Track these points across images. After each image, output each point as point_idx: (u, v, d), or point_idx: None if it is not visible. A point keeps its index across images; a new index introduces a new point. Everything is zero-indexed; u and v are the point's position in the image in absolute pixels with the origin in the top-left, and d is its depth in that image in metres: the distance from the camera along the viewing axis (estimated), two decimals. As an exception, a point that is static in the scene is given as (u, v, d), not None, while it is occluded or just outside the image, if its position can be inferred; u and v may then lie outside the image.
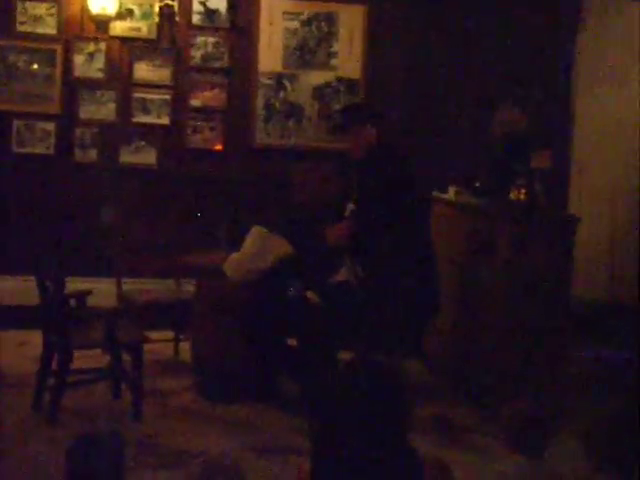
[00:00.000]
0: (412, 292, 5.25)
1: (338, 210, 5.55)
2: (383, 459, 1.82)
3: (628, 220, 7.12)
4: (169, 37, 7.15)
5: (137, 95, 7.11)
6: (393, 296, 5.31)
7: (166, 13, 7.09)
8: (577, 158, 7.54)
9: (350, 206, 5.44)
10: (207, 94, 7.24)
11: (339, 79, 7.42)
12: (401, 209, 5.25)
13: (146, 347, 5.30)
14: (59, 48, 6.96)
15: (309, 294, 5.37)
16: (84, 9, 6.93)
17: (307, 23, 7.36)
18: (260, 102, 7.32)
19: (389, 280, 5.23)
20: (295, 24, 7.34)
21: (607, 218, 7.33)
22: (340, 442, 1.83)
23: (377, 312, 5.31)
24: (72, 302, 5.28)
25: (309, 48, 7.37)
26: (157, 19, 7.07)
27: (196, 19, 7.16)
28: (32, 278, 5.14)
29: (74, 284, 5.54)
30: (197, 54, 7.19)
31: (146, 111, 7.13)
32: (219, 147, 7.23)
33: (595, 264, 7.32)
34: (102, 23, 6.97)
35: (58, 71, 6.97)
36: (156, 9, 7.05)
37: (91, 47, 7.00)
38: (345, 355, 5.47)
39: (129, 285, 6.38)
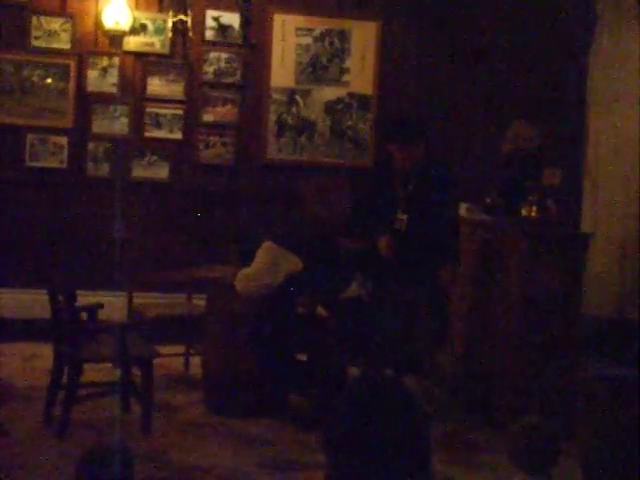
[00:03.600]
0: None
1: (382, 219, 5.54)
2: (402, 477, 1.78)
3: (640, 237, 7.10)
4: (182, 52, 7.18)
5: (150, 110, 7.14)
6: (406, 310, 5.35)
7: (179, 28, 7.12)
8: (590, 175, 7.53)
9: (401, 216, 5.46)
10: (219, 109, 7.26)
11: (351, 95, 7.44)
12: (451, 225, 5.49)
13: (156, 361, 5.31)
14: (73, 63, 6.99)
15: (319, 309, 5.37)
16: (98, 24, 6.97)
17: (320, 39, 7.38)
18: (272, 117, 7.34)
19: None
20: (308, 40, 7.36)
21: (619, 235, 7.31)
22: (355, 459, 1.80)
23: (386, 328, 5.32)
24: (83, 316, 5.30)
25: (321, 64, 7.39)
26: (170, 34, 7.10)
27: (209, 35, 7.20)
28: (43, 291, 5.16)
29: (85, 298, 5.56)
30: (210, 69, 7.22)
31: (159, 126, 7.15)
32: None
33: (605, 280, 7.29)
34: (116, 38, 7.02)
35: (72, 86, 7.01)
36: (169, 24, 7.08)
37: (105, 62, 7.04)
38: (354, 370, 5.50)
39: (140, 299, 6.39)
